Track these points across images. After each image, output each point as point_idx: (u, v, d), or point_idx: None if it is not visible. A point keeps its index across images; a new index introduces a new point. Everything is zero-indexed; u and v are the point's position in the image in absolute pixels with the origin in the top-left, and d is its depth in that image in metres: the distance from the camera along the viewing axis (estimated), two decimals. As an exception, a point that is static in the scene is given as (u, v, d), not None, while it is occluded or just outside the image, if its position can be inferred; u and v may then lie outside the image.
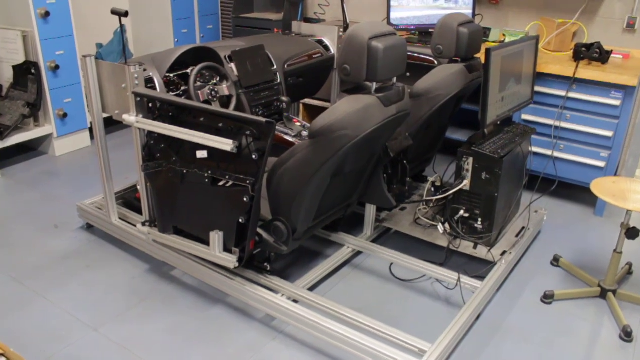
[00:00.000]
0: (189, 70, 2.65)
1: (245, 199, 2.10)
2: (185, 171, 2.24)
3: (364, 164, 2.35)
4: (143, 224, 2.54)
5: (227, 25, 5.11)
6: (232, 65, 2.86)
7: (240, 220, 2.15)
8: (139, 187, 2.54)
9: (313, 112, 4.52)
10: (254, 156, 2.02)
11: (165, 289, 2.54)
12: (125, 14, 2.44)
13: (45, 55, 3.71)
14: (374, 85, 2.05)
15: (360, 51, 1.96)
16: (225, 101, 2.75)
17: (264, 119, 1.95)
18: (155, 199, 2.41)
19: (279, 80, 3.06)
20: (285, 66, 3.15)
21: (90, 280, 2.59)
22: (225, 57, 2.85)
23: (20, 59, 3.67)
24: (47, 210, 3.22)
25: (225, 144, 2.03)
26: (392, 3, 3.71)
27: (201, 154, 2.16)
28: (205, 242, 2.30)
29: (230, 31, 4.97)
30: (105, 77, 2.47)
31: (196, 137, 2.11)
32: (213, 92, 2.64)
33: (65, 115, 3.90)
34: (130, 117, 2.33)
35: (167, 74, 2.63)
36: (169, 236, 2.44)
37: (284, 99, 2.93)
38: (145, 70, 2.50)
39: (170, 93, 2.58)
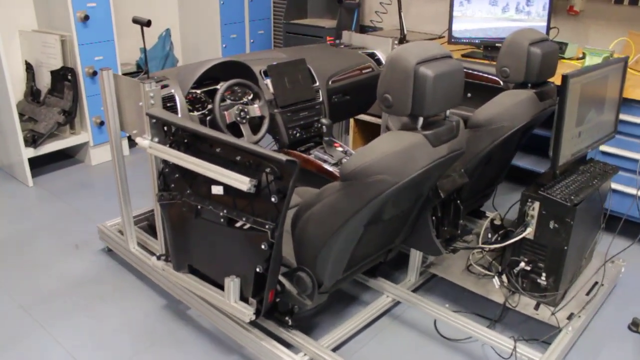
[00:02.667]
0: (218, 86, 2.38)
1: (263, 247, 1.79)
2: (199, 207, 1.96)
3: (407, 209, 2.00)
4: (158, 257, 2.28)
5: (280, 31, 4.84)
6: (268, 81, 2.56)
7: (258, 270, 1.85)
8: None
9: (365, 129, 4.18)
10: (273, 198, 1.70)
11: (179, 332, 2.27)
12: (148, 24, 2.19)
13: (83, 61, 3.54)
14: (421, 121, 1.69)
15: (405, 79, 1.61)
16: (257, 122, 2.45)
17: (284, 157, 1.63)
18: (169, 234, 2.14)
19: (320, 99, 2.74)
20: (330, 82, 2.83)
21: (101, 313, 2.36)
22: (260, 71, 2.56)
23: (58, 64, 3.52)
24: (72, 226, 3.03)
25: (241, 182, 1.73)
26: (455, 13, 3.32)
27: (216, 190, 1.87)
28: (221, 286, 2.02)
29: (281, 38, 4.70)
30: (124, 93, 2.22)
31: (209, 171, 1.82)
32: (242, 113, 2.35)
33: (102, 123, 3.73)
34: (144, 141, 2.08)
35: (193, 90, 2.36)
36: (183, 275, 2.17)
37: (325, 121, 2.61)
38: (166, 86, 2.25)
39: (195, 112, 2.32)
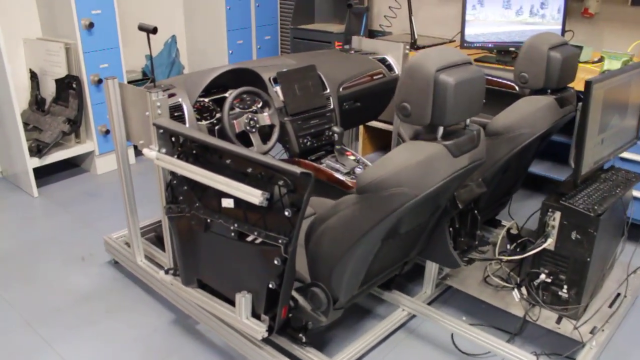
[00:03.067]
0: (227, 94, 2.31)
1: (276, 262, 1.72)
2: (209, 220, 1.89)
3: (424, 221, 1.92)
4: (166, 271, 2.21)
5: (287, 37, 4.77)
6: (278, 88, 2.50)
7: (270, 286, 1.78)
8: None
9: (375, 136, 4.11)
10: (286, 212, 1.63)
11: (188, 348, 2.20)
12: (154, 31, 2.13)
13: (88, 69, 3.49)
14: (441, 130, 1.62)
15: (425, 87, 1.54)
16: (267, 131, 2.38)
17: (299, 170, 1.56)
18: (177, 247, 2.07)
19: (331, 106, 2.67)
20: (340, 89, 2.75)
21: (108, 329, 2.29)
22: (269, 79, 2.50)
23: (63, 72, 3.46)
24: (78, 238, 2.97)
25: (253, 196, 1.66)
26: (467, 17, 3.25)
27: (227, 203, 1.80)
28: (232, 302, 1.94)
29: (288, 43, 4.64)
30: (130, 102, 2.16)
31: (219, 183, 1.75)
32: (252, 122, 2.28)
33: (108, 131, 3.68)
34: (151, 152, 2.01)
35: (201, 99, 2.30)
36: (192, 290, 2.10)
37: (336, 129, 2.53)
38: (173, 95, 2.18)
39: (203, 122, 2.25)
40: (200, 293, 2.08)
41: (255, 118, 2.30)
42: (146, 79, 4.05)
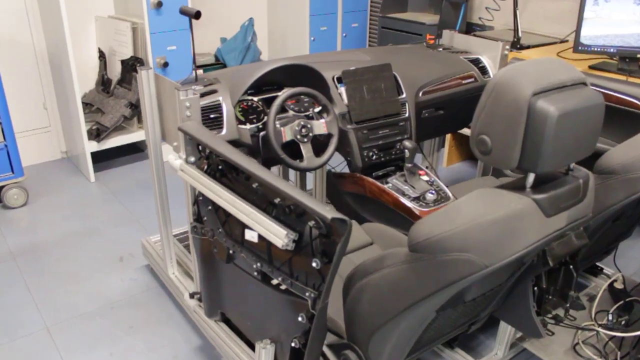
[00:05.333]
0: (280, 93, 1.96)
1: (300, 319, 1.37)
2: (231, 251, 1.56)
3: (499, 285, 1.49)
4: (191, 295, 1.92)
5: (376, 25, 4.35)
6: (342, 89, 2.12)
7: (293, 345, 1.43)
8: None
9: (464, 143, 3.63)
10: (314, 263, 1.27)
11: (207, 385, 1.91)
12: (196, 15, 1.81)
13: (154, 51, 3.27)
14: (532, 178, 1.18)
15: (514, 116, 1.11)
16: (323, 141, 2.01)
17: (332, 214, 1.17)
18: (200, 273, 1.77)
19: (406, 114, 2.25)
20: (420, 94, 2.33)
21: (126, 349, 2.05)
22: (333, 78, 2.12)
23: (129, 52, 3.27)
24: (122, 234, 2.77)
25: (276, 235, 1.30)
26: (586, 14, 2.69)
27: (250, 235, 1.46)
28: (254, 346, 1.62)
29: (377, 33, 4.23)
30: (165, 98, 1.86)
31: (240, 213, 1.42)
32: (304, 129, 1.91)
33: (171, 118, 3.46)
34: (176, 161, 1.70)
35: (250, 98, 1.97)
36: (214, 324, 1.79)
37: (408, 143, 2.11)
38: (214, 92, 1.86)
39: (247, 125, 1.92)
40: (221, 328, 1.77)
41: (309, 125, 1.93)
42: (219, 63, 3.79)
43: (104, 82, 3.46)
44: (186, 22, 3.34)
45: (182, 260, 2.29)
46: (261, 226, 1.35)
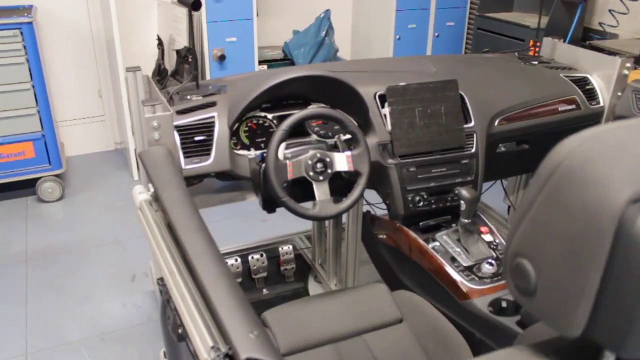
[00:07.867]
0: (295, 112, 1.50)
1: None
2: (180, 331, 1.16)
3: None
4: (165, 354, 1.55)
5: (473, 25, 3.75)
6: (387, 111, 1.63)
7: None
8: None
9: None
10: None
11: None
12: (194, 6, 1.42)
13: (211, 41, 2.95)
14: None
15: (587, 237, 0.58)
16: (349, 179, 1.53)
17: (244, 356, 0.72)
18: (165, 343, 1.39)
19: (472, 149, 1.71)
20: (495, 122, 1.78)
21: (98, 399, 1.73)
22: (375, 95, 1.63)
23: (183, 42, 2.97)
24: (142, 246, 2.47)
25: (201, 347, 0.87)
26: None
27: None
28: None
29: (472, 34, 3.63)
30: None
31: (177, 297, 1.00)
32: (319, 164, 1.44)
33: (225, 117, 3.13)
34: (140, 195, 1.31)
35: (262, 114, 1.54)
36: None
37: (465, 193, 1.56)
38: (213, 104, 1.46)
39: (252, 151, 1.49)
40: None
41: (328, 159, 1.45)
42: (286, 59, 3.40)
43: (160, 73, 3.19)
44: (249, 12, 2.98)
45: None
46: (188, 326, 0.93)
